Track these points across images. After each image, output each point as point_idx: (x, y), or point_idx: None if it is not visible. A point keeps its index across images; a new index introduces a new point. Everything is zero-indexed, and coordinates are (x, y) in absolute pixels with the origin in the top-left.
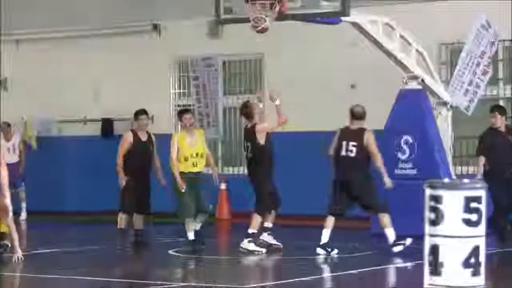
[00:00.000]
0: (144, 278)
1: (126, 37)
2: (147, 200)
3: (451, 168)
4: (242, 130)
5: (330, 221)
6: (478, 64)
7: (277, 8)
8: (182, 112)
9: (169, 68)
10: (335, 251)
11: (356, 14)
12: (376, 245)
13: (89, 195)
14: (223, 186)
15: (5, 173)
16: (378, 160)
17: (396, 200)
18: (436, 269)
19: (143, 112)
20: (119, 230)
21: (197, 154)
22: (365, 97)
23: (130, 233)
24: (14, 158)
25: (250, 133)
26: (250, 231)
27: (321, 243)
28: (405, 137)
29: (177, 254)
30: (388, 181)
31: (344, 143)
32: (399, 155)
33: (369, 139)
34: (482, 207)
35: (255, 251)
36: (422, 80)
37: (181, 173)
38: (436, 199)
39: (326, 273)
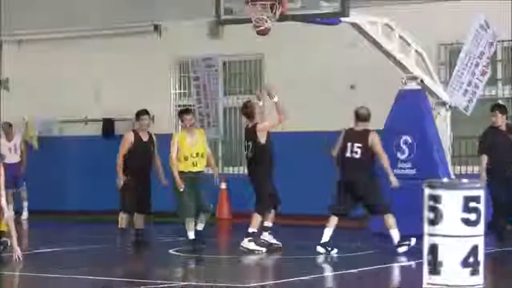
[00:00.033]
0: (145, 278)
1: (127, 38)
2: (148, 200)
3: (450, 168)
4: (242, 130)
5: (333, 220)
6: (477, 65)
7: (278, 9)
8: (182, 113)
9: (169, 69)
10: (335, 250)
11: (356, 14)
12: (376, 245)
13: (90, 194)
14: (223, 185)
15: (1, 172)
16: (384, 161)
17: (395, 200)
18: (435, 268)
19: (144, 112)
20: (120, 230)
21: (197, 154)
22: (364, 97)
23: (130, 232)
24: (15, 158)
25: (251, 133)
26: (250, 230)
27: (322, 241)
28: (404, 137)
29: (178, 253)
30: (394, 181)
31: (349, 144)
32: (398, 155)
33: (374, 140)
34: (481, 206)
35: (255, 250)
36: (421, 81)
37: (181, 172)
38: (435, 198)
39: (326, 272)
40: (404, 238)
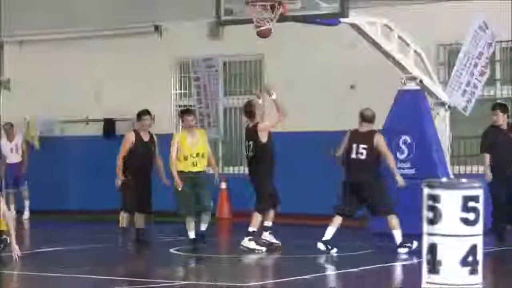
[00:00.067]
0: (146, 277)
1: (128, 38)
2: (148, 200)
3: (449, 167)
4: (242, 130)
5: (337, 220)
6: (475, 65)
7: (279, 11)
8: (183, 113)
9: (170, 69)
10: (335, 249)
11: (355, 15)
12: (376, 244)
13: (91, 194)
14: (223, 185)
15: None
16: (390, 161)
17: (394, 200)
18: (434, 267)
19: (146, 112)
20: (120, 229)
21: (197, 154)
22: (364, 97)
23: (131, 232)
24: (17, 158)
25: (252, 132)
26: (250, 229)
27: (323, 238)
28: (403, 137)
29: (178, 252)
30: (400, 180)
31: (354, 145)
32: (398, 155)
33: (379, 141)
34: (480, 206)
35: (255, 249)
36: (421, 81)
37: (181, 172)
38: (434, 198)
39: (326, 272)
40: (406, 239)
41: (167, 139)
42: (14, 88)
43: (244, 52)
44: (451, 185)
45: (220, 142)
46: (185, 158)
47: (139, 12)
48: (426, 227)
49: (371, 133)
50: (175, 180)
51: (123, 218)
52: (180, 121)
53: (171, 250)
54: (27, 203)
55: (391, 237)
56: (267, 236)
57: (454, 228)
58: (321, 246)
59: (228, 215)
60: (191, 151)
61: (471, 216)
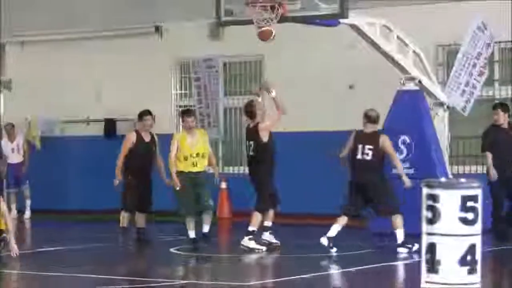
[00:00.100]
0: (146, 276)
1: (129, 39)
2: (149, 199)
3: (448, 167)
4: (242, 130)
5: (343, 220)
6: (474, 65)
7: (279, 12)
8: (184, 114)
9: (170, 69)
10: (335, 249)
11: (354, 16)
12: (376, 244)
13: (92, 194)
14: (223, 185)
15: None
16: (397, 162)
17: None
18: (433, 267)
19: (147, 113)
20: (121, 229)
21: (197, 155)
22: (363, 97)
23: (132, 231)
24: (18, 158)
25: (252, 132)
26: (250, 228)
27: (328, 234)
28: (402, 137)
29: (179, 252)
30: (407, 181)
31: (360, 146)
32: (397, 154)
33: (385, 142)
34: (478, 206)
35: (255, 248)
36: (419, 81)
37: (181, 172)
38: (433, 198)
39: (326, 271)
40: (408, 240)
41: (167, 139)
42: (15, 89)
43: (244, 53)
44: (450, 185)
45: (220, 142)
46: (185, 158)
47: (140, 13)
48: (425, 227)
49: (377, 134)
50: (173, 180)
51: (124, 217)
52: (180, 121)
53: (172, 250)
54: (28, 202)
55: (391, 237)
56: (267, 236)
57: (453, 227)
58: (324, 241)
59: (228, 215)
60: (191, 151)
61: (469, 215)
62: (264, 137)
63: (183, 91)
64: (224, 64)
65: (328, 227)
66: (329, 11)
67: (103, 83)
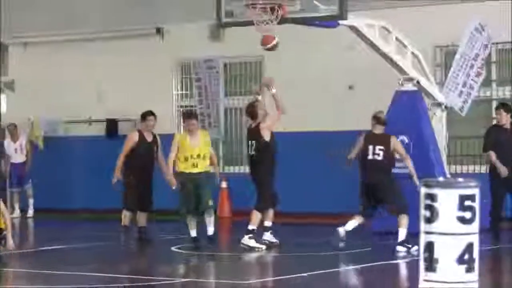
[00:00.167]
0: (148, 274)
1: (130, 40)
2: (149, 198)
3: (446, 167)
4: (242, 130)
5: (360, 219)
6: (471, 66)
7: (279, 13)
8: (187, 116)
9: (171, 70)
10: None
11: (354, 17)
12: (376, 243)
13: (94, 193)
14: (224, 184)
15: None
16: (408, 163)
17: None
18: (431, 265)
19: (150, 113)
20: (123, 227)
21: (198, 156)
22: (362, 98)
23: (133, 230)
24: (21, 158)
25: (254, 132)
26: (250, 227)
27: (345, 227)
28: (401, 137)
29: (180, 250)
30: (418, 181)
31: (370, 147)
32: (396, 154)
33: (396, 144)
34: (476, 205)
35: (255, 247)
36: (418, 82)
37: (181, 173)
38: (431, 197)
39: (326, 269)
40: (409, 240)
41: (168, 139)
42: (18, 89)
43: (244, 54)
44: (448, 184)
45: (220, 142)
46: (186, 159)
47: (141, 15)
48: (423, 226)
49: (386, 136)
50: (169, 180)
51: (125, 216)
52: (183, 122)
53: (173, 248)
54: (31, 201)
55: (391, 236)
56: (268, 236)
57: (450, 226)
58: (341, 231)
59: (228, 214)
60: (192, 152)
61: (467, 214)
62: (266, 137)
63: (184, 92)
64: (225, 65)
65: (328, 227)
66: (329, 12)
67: (105, 84)
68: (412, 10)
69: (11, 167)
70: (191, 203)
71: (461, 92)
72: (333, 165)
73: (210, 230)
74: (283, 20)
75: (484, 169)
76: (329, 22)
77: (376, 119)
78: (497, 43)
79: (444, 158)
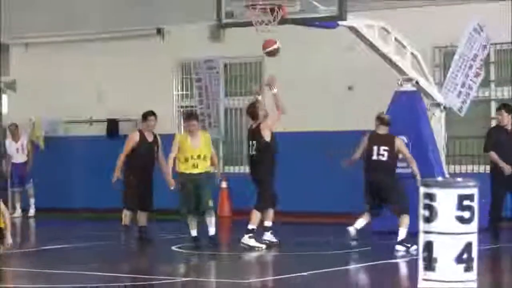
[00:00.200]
0: (148, 274)
1: (131, 41)
2: (149, 198)
3: (445, 167)
4: (242, 130)
5: (368, 218)
6: (470, 67)
7: (279, 14)
8: (188, 117)
9: (172, 71)
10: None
11: (353, 18)
12: (376, 242)
13: (95, 193)
14: (224, 184)
15: None
16: (413, 163)
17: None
18: (430, 264)
19: (151, 113)
20: (123, 227)
21: (198, 156)
22: (362, 98)
23: (134, 229)
24: (22, 158)
25: (254, 133)
26: (250, 227)
27: (355, 226)
28: (400, 137)
29: (180, 250)
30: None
31: (375, 147)
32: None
33: (401, 146)
34: (475, 205)
35: (255, 246)
36: (417, 82)
37: (182, 173)
38: (430, 197)
39: (325, 269)
40: (409, 240)
41: (169, 139)
42: (19, 89)
43: (244, 54)
44: (446, 184)
45: (220, 142)
46: (186, 160)
47: (142, 16)
48: (422, 225)
49: (390, 136)
50: (168, 180)
51: (126, 216)
52: (183, 122)
53: (173, 248)
54: (32, 200)
55: (391, 235)
56: (268, 236)
57: (449, 226)
58: (352, 230)
59: (228, 214)
60: (192, 153)
61: (466, 214)
62: (267, 137)
63: (184, 92)
64: (225, 65)
65: (327, 226)
66: (328, 13)
67: (106, 84)
68: (411, 11)
69: (13, 167)
70: (191, 203)
71: (460, 92)
72: (333, 165)
73: (212, 231)
74: (283, 21)
75: (482, 169)
76: (329, 22)
77: (380, 119)
78: (495, 44)
79: (443, 158)
